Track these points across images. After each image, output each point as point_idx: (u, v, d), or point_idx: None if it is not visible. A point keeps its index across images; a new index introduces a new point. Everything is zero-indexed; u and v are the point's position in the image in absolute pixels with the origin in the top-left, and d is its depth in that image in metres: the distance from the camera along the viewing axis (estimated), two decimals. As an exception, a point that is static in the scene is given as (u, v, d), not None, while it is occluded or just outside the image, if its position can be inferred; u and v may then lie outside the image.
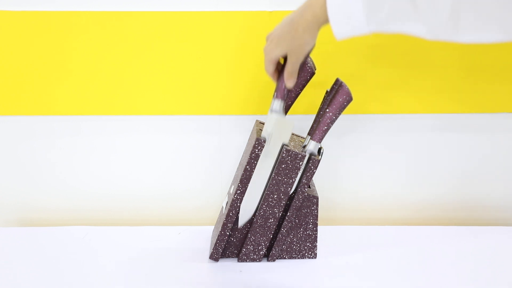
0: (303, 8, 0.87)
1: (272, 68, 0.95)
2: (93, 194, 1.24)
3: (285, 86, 0.97)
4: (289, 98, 1.01)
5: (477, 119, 1.20)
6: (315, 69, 1.00)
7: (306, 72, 0.99)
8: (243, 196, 1.01)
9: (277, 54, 0.92)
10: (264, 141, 0.99)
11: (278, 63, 0.96)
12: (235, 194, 1.01)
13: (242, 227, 1.03)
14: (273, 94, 0.99)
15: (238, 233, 1.04)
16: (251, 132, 1.07)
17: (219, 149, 1.21)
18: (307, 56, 0.96)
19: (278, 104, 0.98)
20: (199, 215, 1.24)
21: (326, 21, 0.84)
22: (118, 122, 1.20)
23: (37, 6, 1.11)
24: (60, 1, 1.12)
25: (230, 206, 1.01)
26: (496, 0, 0.72)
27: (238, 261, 1.05)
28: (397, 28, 0.79)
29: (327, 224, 1.19)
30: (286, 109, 1.01)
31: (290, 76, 0.95)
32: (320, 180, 1.19)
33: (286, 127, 0.98)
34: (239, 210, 1.02)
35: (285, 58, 0.94)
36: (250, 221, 1.03)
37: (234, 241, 1.05)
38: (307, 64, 0.99)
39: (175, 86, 1.16)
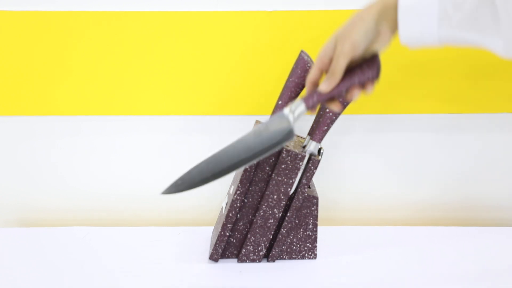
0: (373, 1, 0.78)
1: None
2: (93, 194, 1.24)
3: (316, 95, 0.82)
4: (289, 99, 1.01)
5: (477, 119, 1.20)
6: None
7: (306, 72, 0.99)
8: (243, 196, 1.01)
9: (323, 48, 0.80)
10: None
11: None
12: (235, 195, 1.01)
13: (242, 227, 1.03)
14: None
15: (237, 234, 1.04)
16: (251, 133, 1.07)
17: (219, 149, 1.21)
18: (359, 57, 0.81)
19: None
20: (199, 216, 1.24)
21: (393, 14, 0.75)
22: (118, 122, 1.20)
23: (37, 6, 1.11)
24: (60, 1, 1.12)
25: (230, 206, 1.01)
26: None
27: (237, 261, 1.05)
28: (471, 37, 0.73)
29: (327, 225, 1.19)
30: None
31: (329, 77, 0.80)
32: (320, 181, 1.19)
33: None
34: (239, 210, 1.02)
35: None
36: (250, 222, 1.03)
37: (233, 242, 1.05)
38: (307, 64, 0.99)
39: (175, 86, 1.16)
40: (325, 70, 0.81)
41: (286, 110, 0.84)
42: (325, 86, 0.80)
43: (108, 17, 1.12)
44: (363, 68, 0.81)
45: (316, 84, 0.83)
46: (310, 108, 0.83)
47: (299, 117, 0.83)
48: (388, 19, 0.77)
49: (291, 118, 0.83)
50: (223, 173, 0.87)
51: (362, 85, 0.82)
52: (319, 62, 0.81)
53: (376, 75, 0.82)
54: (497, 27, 0.70)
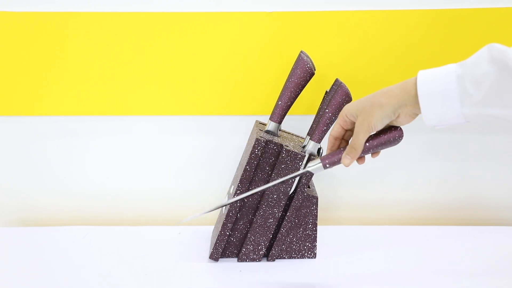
0: (395, 85, 0.81)
1: (339, 129, 0.86)
2: (93, 194, 1.24)
3: (337, 159, 0.87)
4: (288, 99, 1.01)
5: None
6: (315, 70, 1.00)
7: (305, 72, 0.99)
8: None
9: (349, 109, 0.83)
10: (264, 141, 0.99)
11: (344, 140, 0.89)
12: (235, 194, 1.01)
13: (242, 227, 1.04)
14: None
15: (238, 233, 1.04)
16: (251, 132, 1.07)
17: (219, 149, 1.21)
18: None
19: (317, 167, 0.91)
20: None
21: (413, 100, 0.77)
22: (117, 122, 1.20)
23: (35, 6, 1.12)
24: (58, 1, 1.12)
25: (230, 206, 1.02)
26: None
27: (238, 261, 1.05)
28: (498, 112, 0.72)
29: (327, 224, 1.19)
30: (286, 110, 1.01)
31: (351, 152, 0.84)
32: (320, 181, 1.19)
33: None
34: (239, 210, 1.02)
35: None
36: (250, 221, 1.03)
37: (234, 241, 1.05)
38: (307, 64, 0.99)
39: (174, 86, 1.16)
40: (345, 128, 0.86)
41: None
42: (347, 161, 0.84)
43: (106, 18, 1.12)
44: (387, 136, 0.86)
45: (338, 139, 0.87)
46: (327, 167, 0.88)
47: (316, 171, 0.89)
48: (408, 106, 0.79)
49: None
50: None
51: (387, 144, 0.87)
52: (341, 121, 0.85)
53: (397, 143, 0.86)
54: None
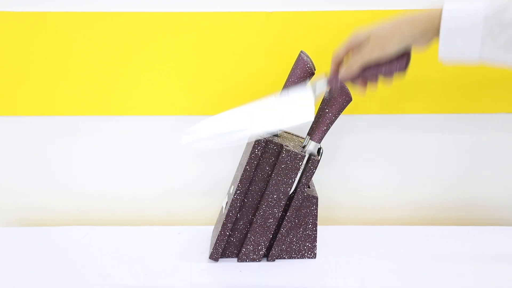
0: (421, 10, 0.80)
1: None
2: (93, 194, 1.24)
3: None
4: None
5: (476, 119, 1.20)
6: (315, 70, 1.00)
7: (305, 72, 0.99)
8: (243, 196, 1.01)
9: (358, 31, 0.83)
10: (264, 141, 0.99)
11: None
12: (235, 194, 1.01)
13: (242, 227, 1.04)
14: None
15: (238, 233, 1.04)
16: (251, 132, 1.07)
17: (219, 149, 1.21)
18: (380, 63, 0.84)
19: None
20: (199, 215, 1.24)
21: (435, 30, 0.77)
22: (117, 122, 1.20)
23: (35, 6, 1.12)
24: (58, 1, 1.12)
25: (230, 206, 1.02)
26: None
27: (238, 261, 1.05)
28: None
29: (327, 224, 1.20)
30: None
31: (348, 67, 0.85)
32: (320, 180, 1.19)
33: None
34: (239, 210, 1.02)
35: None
36: (250, 221, 1.03)
37: (234, 241, 1.05)
38: (307, 64, 0.99)
39: (174, 86, 1.16)
40: (351, 50, 0.85)
41: (309, 88, 0.89)
42: (343, 74, 0.86)
43: (106, 18, 1.12)
44: (393, 60, 0.83)
45: (339, 64, 0.87)
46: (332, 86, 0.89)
47: (320, 95, 0.89)
48: (428, 35, 0.78)
49: (312, 95, 0.89)
50: None
51: (389, 74, 0.84)
52: (349, 43, 0.85)
53: (404, 68, 0.84)
54: None
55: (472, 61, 0.76)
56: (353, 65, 0.84)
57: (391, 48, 0.80)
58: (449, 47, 0.76)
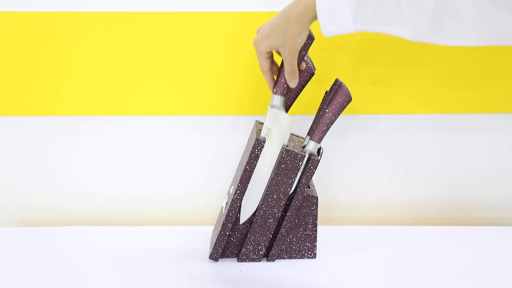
0: (296, 1, 0.88)
1: (266, 63, 0.94)
2: (93, 194, 1.24)
3: (286, 84, 0.96)
4: (288, 99, 1.01)
5: (476, 119, 1.20)
6: (315, 70, 1.00)
7: (305, 72, 0.99)
8: (243, 196, 1.01)
9: (268, 45, 0.91)
10: (264, 141, 0.99)
11: (274, 62, 0.96)
12: (235, 194, 1.01)
13: (242, 227, 1.04)
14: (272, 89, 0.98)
15: (238, 233, 1.04)
16: (251, 132, 1.07)
17: (219, 149, 1.22)
18: (303, 53, 0.94)
19: (278, 99, 0.98)
20: (199, 215, 1.24)
21: (315, 13, 0.86)
22: (117, 122, 1.20)
23: (37, 6, 1.12)
24: (59, 1, 1.12)
25: (230, 206, 1.02)
26: (477, 8, 0.74)
27: (237, 261, 1.05)
28: (383, 29, 0.82)
29: (327, 224, 1.20)
30: (286, 109, 1.01)
31: (292, 76, 0.94)
32: (320, 180, 1.19)
33: (286, 123, 0.98)
34: (239, 210, 1.02)
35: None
36: (250, 221, 1.03)
37: (234, 241, 1.05)
38: (307, 64, 0.99)
39: (174, 86, 1.16)
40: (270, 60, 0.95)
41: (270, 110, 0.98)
42: (294, 84, 0.95)
43: (107, 18, 1.12)
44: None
45: (273, 71, 0.96)
46: (283, 94, 0.97)
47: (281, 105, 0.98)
48: (311, 20, 0.88)
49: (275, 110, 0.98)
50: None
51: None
52: (266, 57, 0.94)
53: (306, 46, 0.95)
54: (403, 18, 0.79)
55: (351, 32, 0.85)
56: (293, 70, 0.93)
57: (300, 45, 0.90)
58: (329, 28, 0.85)
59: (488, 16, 0.74)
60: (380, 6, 0.80)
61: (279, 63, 0.97)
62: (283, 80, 0.96)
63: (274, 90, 0.98)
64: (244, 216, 1.02)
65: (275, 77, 0.98)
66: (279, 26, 0.89)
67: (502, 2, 0.74)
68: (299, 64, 0.96)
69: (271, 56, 0.95)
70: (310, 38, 0.94)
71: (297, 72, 0.94)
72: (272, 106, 0.98)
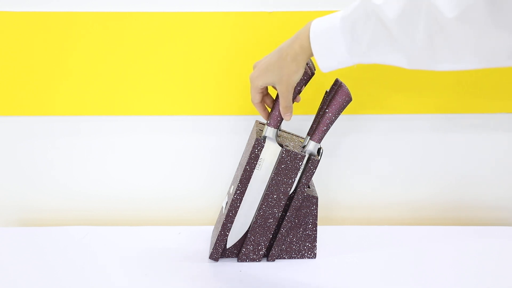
0: (292, 39, 0.89)
1: (258, 96, 0.95)
2: (93, 194, 1.24)
3: (278, 115, 0.98)
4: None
5: (476, 119, 1.20)
6: (315, 70, 1.00)
7: (305, 72, 0.99)
8: (243, 196, 1.01)
9: (264, 82, 0.93)
10: (264, 141, 0.99)
11: (268, 94, 0.97)
12: (235, 194, 1.01)
13: (242, 227, 1.04)
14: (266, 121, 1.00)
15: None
16: (251, 132, 1.07)
17: (219, 149, 1.22)
18: (298, 88, 0.96)
19: (271, 131, 0.99)
20: (199, 215, 1.24)
21: (311, 50, 0.87)
22: (117, 122, 1.20)
23: (36, 6, 1.12)
24: (59, 1, 1.12)
25: (230, 206, 1.02)
26: (468, 33, 0.74)
27: (237, 261, 1.05)
28: (379, 59, 0.82)
29: (327, 224, 1.20)
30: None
31: (286, 111, 0.95)
32: (320, 180, 1.19)
33: (278, 155, 1.00)
34: (239, 210, 1.02)
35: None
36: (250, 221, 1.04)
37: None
38: (307, 64, 0.99)
39: (174, 86, 1.16)
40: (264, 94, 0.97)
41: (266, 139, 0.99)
42: (288, 118, 0.96)
43: (107, 18, 1.12)
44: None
45: (265, 103, 0.98)
46: (277, 127, 0.99)
47: (274, 136, 1.00)
48: (307, 58, 0.89)
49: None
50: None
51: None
52: (259, 91, 0.95)
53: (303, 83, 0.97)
54: (397, 48, 0.79)
55: (349, 65, 0.86)
56: (288, 106, 0.94)
57: (296, 81, 0.92)
58: (326, 65, 0.86)
59: (481, 38, 0.74)
60: (373, 38, 0.80)
61: (273, 95, 0.99)
62: (277, 113, 0.98)
63: (268, 122, 0.99)
64: (232, 240, 1.04)
65: (268, 108, 1.00)
66: (276, 63, 0.90)
67: (494, 22, 0.72)
68: (294, 98, 0.97)
69: (264, 90, 0.96)
70: (306, 75, 0.96)
71: (292, 107, 0.95)
72: (266, 138, 0.99)
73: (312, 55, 0.87)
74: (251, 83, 0.94)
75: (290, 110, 0.95)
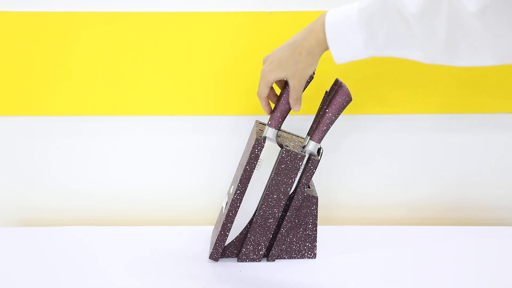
0: (306, 32, 0.88)
1: (267, 91, 0.95)
2: (93, 194, 1.24)
3: (280, 116, 0.98)
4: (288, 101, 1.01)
5: (476, 119, 1.20)
6: (314, 74, 1.00)
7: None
8: (243, 196, 1.01)
9: (277, 76, 0.92)
10: (264, 141, 0.99)
11: (273, 88, 0.97)
12: (235, 194, 1.01)
13: (241, 226, 1.04)
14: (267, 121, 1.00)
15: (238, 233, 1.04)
16: (251, 132, 1.07)
17: (219, 149, 1.22)
18: (308, 81, 0.96)
19: (272, 132, 0.99)
20: (199, 215, 1.24)
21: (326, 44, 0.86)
22: (117, 122, 1.20)
23: (36, 6, 1.12)
24: (59, 1, 1.12)
25: (230, 206, 1.02)
26: (488, 29, 0.74)
27: (238, 261, 1.05)
28: (395, 53, 0.82)
29: (327, 224, 1.20)
30: (286, 112, 1.01)
31: (296, 102, 0.95)
32: (320, 180, 1.19)
33: (277, 155, 1.00)
34: (238, 210, 1.02)
35: (285, 85, 0.95)
36: (250, 221, 1.03)
37: (233, 241, 1.05)
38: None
39: (174, 86, 1.16)
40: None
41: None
42: (297, 109, 0.95)
43: (107, 18, 1.12)
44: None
45: (268, 98, 0.97)
46: (277, 128, 0.99)
47: (274, 137, 1.00)
48: (322, 52, 0.89)
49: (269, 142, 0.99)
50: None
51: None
52: (268, 84, 0.94)
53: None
54: (415, 43, 0.79)
55: (363, 58, 0.86)
56: (298, 98, 0.94)
57: (309, 74, 0.91)
58: (341, 56, 0.86)
59: (501, 37, 0.73)
60: (391, 31, 0.79)
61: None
62: (278, 114, 0.98)
63: (269, 122, 0.99)
64: (231, 237, 1.04)
65: (272, 104, 0.99)
66: (290, 57, 0.90)
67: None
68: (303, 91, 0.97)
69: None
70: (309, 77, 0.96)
71: (301, 99, 0.95)
72: (266, 138, 0.99)
73: (327, 48, 0.86)
74: (262, 77, 0.94)
75: (299, 102, 0.95)
